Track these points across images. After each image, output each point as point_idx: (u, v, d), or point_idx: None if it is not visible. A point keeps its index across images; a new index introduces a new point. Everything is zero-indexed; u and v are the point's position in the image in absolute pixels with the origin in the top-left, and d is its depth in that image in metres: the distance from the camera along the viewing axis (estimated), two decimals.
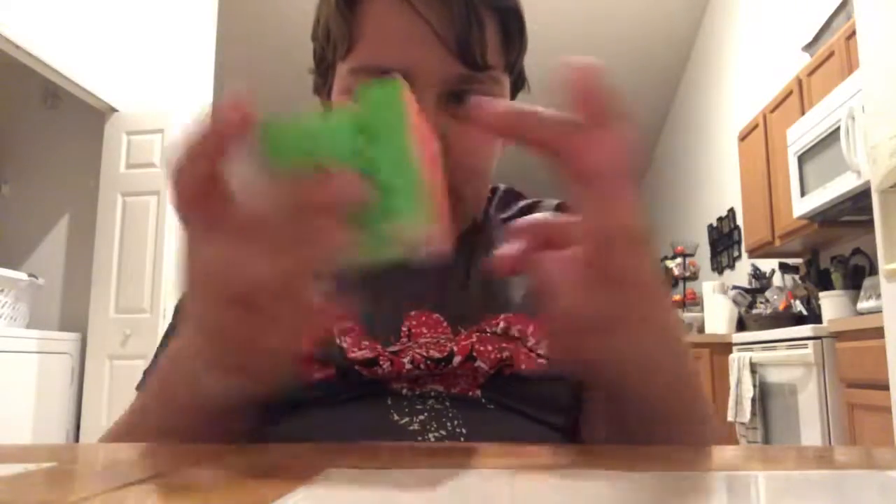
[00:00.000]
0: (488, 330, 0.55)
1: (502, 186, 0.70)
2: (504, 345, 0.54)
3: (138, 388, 0.60)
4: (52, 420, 3.31)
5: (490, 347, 0.54)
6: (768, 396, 2.92)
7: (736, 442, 3.17)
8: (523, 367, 0.54)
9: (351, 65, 0.52)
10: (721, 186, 4.88)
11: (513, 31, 0.55)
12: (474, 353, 0.53)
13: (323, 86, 0.58)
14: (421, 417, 0.50)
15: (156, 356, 0.61)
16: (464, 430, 0.50)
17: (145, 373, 0.60)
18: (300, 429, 0.49)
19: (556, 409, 0.55)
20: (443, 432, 0.50)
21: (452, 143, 0.51)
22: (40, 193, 3.84)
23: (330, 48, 0.55)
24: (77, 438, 3.38)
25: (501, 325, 0.55)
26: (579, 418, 0.57)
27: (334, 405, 0.50)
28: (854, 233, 3.04)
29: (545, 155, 0.32)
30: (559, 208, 0.66)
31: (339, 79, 0.54)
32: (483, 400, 0.53)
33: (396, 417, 0.50)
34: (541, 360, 0.54)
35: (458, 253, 0.60)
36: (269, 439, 0.42)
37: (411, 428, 0.50)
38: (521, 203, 0.68)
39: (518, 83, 0.63)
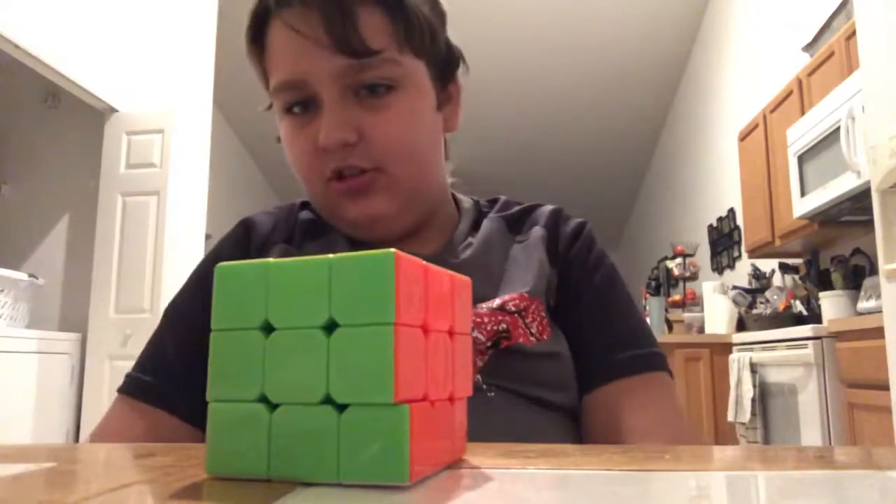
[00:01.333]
0: (484, 306, 0.58)
1: (503, 197, 0.74)
2: (501, 317, 0.57)
3: (120, 390, 0.61)
4: (52, 420, 3.31)
5: (486, 320, 0.57)
6: (768, 396, 2.92)
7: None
8: (521, 340, 0.57)
9: (271, 89, 0.60)
10: (721, 186, 4.88)
11: (393, 8, 0.57)
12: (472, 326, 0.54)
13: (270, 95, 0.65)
14: None
15: (140, 358, 0.62)
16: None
17: (128, 375, 0.61)
18: None
19: (555, 387, 0.58)
20: None
21: (367, 131, 0.56)
22: (40, 193, 3.84)
23: (264, 83, 0.63)
24: (77, 438, 3.38)
25: (497, 301, 0.58)
26: (581, 397, 0.61)
27: None
28: (854, 233, 3.04)
29: None
30: (556, 214, 0.69)
31: (274, 103, 0.62)
32: (484, 386, 0.55)
33: None
34: (532, 338, 0.58)
35: (453, 245, 0.65)
36: None
37: None
38: (524, 205, 0.72)
39: (448, 62, 0.64)
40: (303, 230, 0.67)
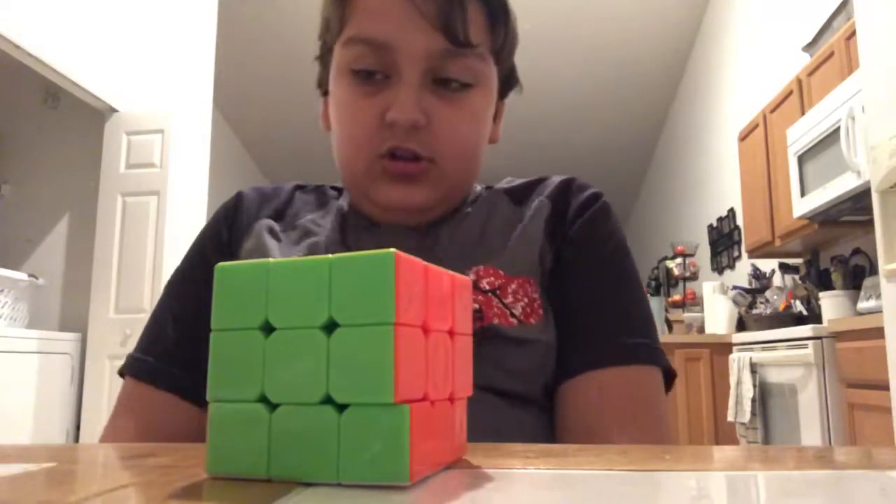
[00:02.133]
0: None
1: (510, 178, 0.72)
2: (474, 296, 0.54)
3: (121, 372, 0.61)
4: (52, 420, 3.31)
5: None
6: (768, 396, 2.92)
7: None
8: (496, 321, 0.54)
9: (344, 38, 0.57)
10: (721, 186, 4.88)
11: (497, 15, 0.57)
12: None
13: (323, 74, 0.63)
14: None
15: (141, 337, 0.63)
16: None
17: (129, 357, 0.61)
18: None
19: (529, 378, 0.55)
20: None
21: (435, 120, 0.56)
22: (40, 193, 3.84)
23: (329, 34, 0.60)
24: (77, 438, 3.38)
25: (472, 277, 0.56)
26: (555, 389, 0.56)
27: None
28: (854, 233, 3.04)
29: None
30: (566, 184, 0.64)
31: (336, 56, 0.59)
32: None
33: None
34: (512, 320, 0.55)
35: (450, 220, 0.62)
36: None
37: None
38: (529, 179, 0.68)
39: (510, 81, 0.65)
40: (301, 204, 0.67)
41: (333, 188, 0.71)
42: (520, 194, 0.65)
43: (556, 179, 0.65)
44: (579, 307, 0.57)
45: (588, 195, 0.63)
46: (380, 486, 0.24)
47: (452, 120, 0.57)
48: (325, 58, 0.62)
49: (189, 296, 0.62)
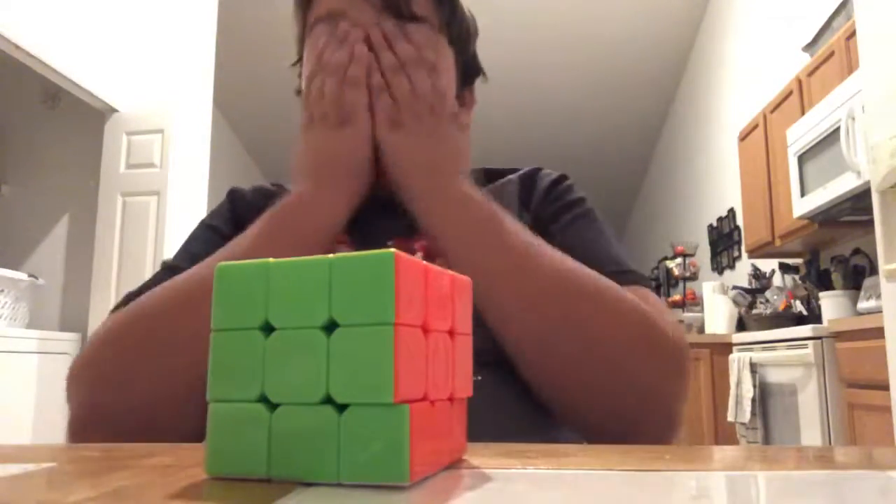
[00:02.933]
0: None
1: (486, 168, 0.73)
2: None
3: (115, 309, 0.61)
4: (52, 420, 3.31)
5: None
6: (768, 396, 2.92)
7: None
8: None
9: (311, 20, 0.62)
10: (721, 186, 4.88)
11: None
12: None
13: (300, 50, 0.67)
14: None
15: (140, 288, 0.62)
16: None
17: (127, 295, 0.61)
18: None
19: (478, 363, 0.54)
20: None
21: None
22: (40, 193, 3.84)
23: (300, 13, 0.65)
24: None
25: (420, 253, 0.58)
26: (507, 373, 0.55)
27: None
28: (854, 233, 3.04)
29: None
30: (533, 170, 0.68)
31: (308, 35, 0.63)
32: None
33: None
34: None
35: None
36: None
37: None
38: (502, 168, 0.71)
39: (472, 68, 0.68)
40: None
41: None
42: (494, 176, 0.68)
43: (526, 168, 0.70)
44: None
45: (556, 176, 0.68)
46: (380, 486, 0.24)
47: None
48: (300, 37, 0.67)
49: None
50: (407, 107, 0.55)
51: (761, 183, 3.56)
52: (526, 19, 5.19)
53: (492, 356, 0.52)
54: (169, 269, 0.62)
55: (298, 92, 0.67)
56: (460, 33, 0.64)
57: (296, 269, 0.27)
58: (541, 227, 0.61)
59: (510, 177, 0.67)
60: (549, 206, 0.65)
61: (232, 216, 0.67)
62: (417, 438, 0.24)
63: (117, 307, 0.61)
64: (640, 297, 0.54)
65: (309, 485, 0.25)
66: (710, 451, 0.35)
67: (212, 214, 0.69)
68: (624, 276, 0.57)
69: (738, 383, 3.05)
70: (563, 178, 0.68)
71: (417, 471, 0.24)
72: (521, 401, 0.54)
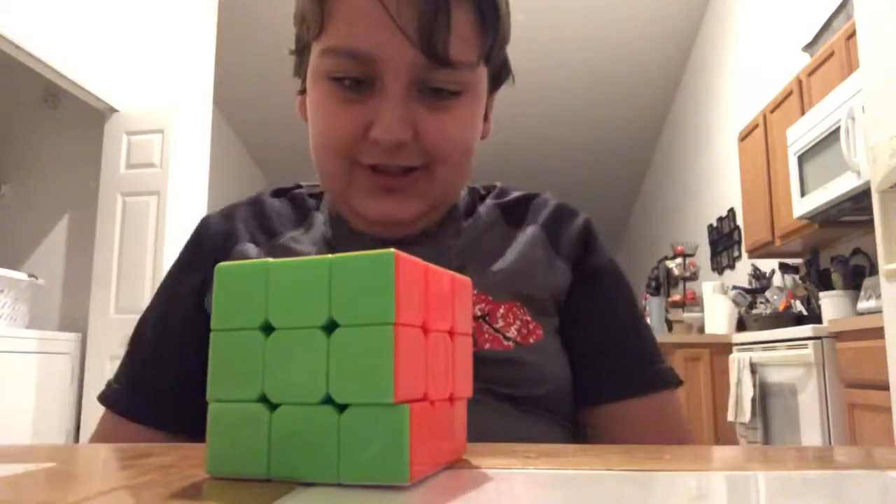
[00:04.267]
0: None
1: (499, 184, 0.71)
2: None
3: (100, 398, 0.60)
4: (52, 420, 3.31)
5: None
6: (768, 396, 2.92)
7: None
8: (487, 346, 0.54)
9: (322, 46, 0.54)
10: (721, 186, 4.88)
11: (488, 17, 0.54)
12: None
13: (300, 66, 0.60)
14: None
15: (119, 367, 0.62)
16: None
17: (108, 384, 0.61)
18: None
19: (531, 386, 0.56)
20: None
21: (423, 130, 0.53)
22: (40, 193, 3.84)
23: (305, 29, 0.56)
24: (77, 438, 3.38)
25: None
26: (582, 407, 0.59)
27: None
28: (854, 233, 3.04)
29: None
30: (557, 212, 0.65)
31: (313, 59, 0.55)
32: None
33: None
34: (507, 343, 0.55)
35: (443, 234, 0.61)
36: None
37: None
38: (519, 193, 0.68)
39: (501, 74, 0.63)
40: (280, 219, 0.64)
41: (311, 195, 0.67)
42: (511, 212, 0.65)
43: (548, 204, 0.66)
44: (598, 336, 0.60)
45: (580, 225, 0.64)
46: (380, 486, 0.24)
47: (442, 127, 0.54)
48: (301, 52, 0.59)
49: (162, 337, 0.62)
50: None
51: (761, 183, 3.56)
52: (525, 20, 5.19)
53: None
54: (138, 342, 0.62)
55: (297, 73, 0.63)
56: (502, 48, 0.59)
57: (296, 270, 0.27)
58: (580, 287, 0.61)
59: (533, 228, 0.63)
60: (580, 265, 0.62)
61: (196, 255, 0.64)
62: (417, 438, 0.24)
63: (104, 397, 0.61)
64: (665, 404, 0.59)
65: (309, 485, 0.25)
66: (710, 451, 0.35)
67: (179, 262, 0.65)
68: (657, 374, 0.60)
69: (738, 383, 3.05)
70: (586, 226, 0.64)
71: (417, 470, 0.24)
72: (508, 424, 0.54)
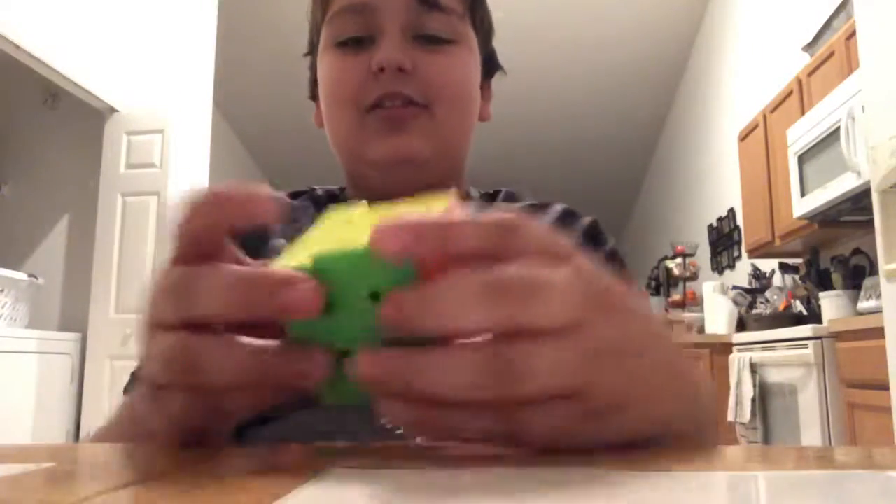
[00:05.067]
0: None
1: (504, 189, 0.71)
2: None
3: (126, 390, 0.60)
4: (52, 420, 3.31)
5: None
6: (768, 396, 2.92)
7: (736, 442, 3.17)
8: None
9: (327, 18, 0.60)
10: (721, 186, 4.88)
11: None
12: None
13: (313, 78, 0.65)
14: None
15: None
16: None
17: (133, 374, 0.60)
18: (283, 431, 0.48)
19: None
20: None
21: (422, 67, 0.57)
22: (40, 193, 3.84)
23: (315, 27, 0.63)
24: (77, 438, 3.38)
25: None
26: None
27: (318, 407, 0.50)
28: (854, 233, 3.04)
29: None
30: (565, 216, 0.66)
31: (322, 39, 0.61)
32: None
33: (384, 420, 0.50)
34: None
35: None
36: (250, 441, 0.42)
37: (398, 432, 0.50)
38: (530, 201, 0.69)
39: (492, 62, 0.68)
40: (307, 216, 0.64)
41: (329, 195, 0.69)
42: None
43: (556, 209, 0.67)
44: None
45: (588, 224, 0.66)
46: (379, 483, 0.24)
47: (440, 65, 0.58)
48: (314, 61, 0.64)
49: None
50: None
51: (761, 183, 3.56)
52: (525, 20, 5.19)
53: None
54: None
55: (312, 96, 0.66)
56: (483, 22, 0.64)
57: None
58: None
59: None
60: (593, 254, 0.62)
61: None
62: None
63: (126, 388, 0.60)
64: None
65: (308, 485, 0.25)
66: (710, 451, 0.35)
67: None
68: None
69: (738, 383, 3.05)
70: (595, 226, 0.66)
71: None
72: None
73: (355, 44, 0.58)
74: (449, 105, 0.59)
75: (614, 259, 0.64)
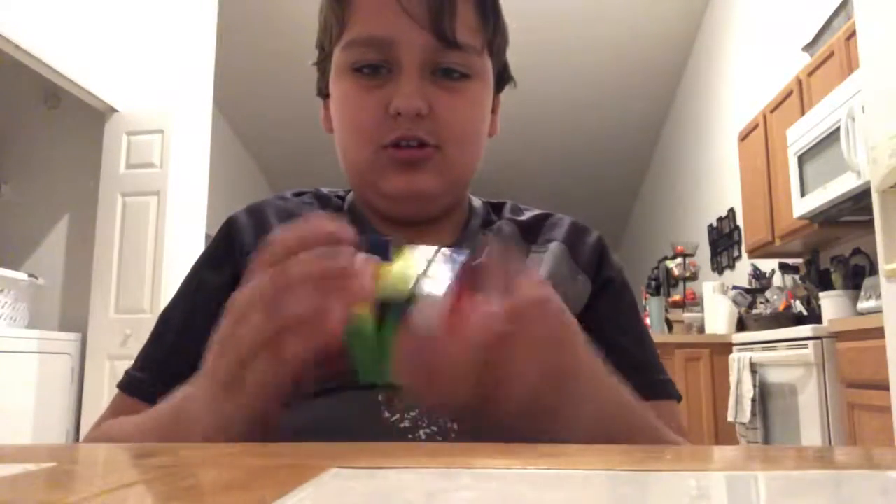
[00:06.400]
0: None
1: (509, 201, 0.73)
2: None
3: (121, 386, 0.60)
4: (52, 420, 3.31)
5: None
6: (768, 396, 2.92)
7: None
8: None
9: (345, 41, 0.60)
10: (721, 186, 4.88)
11: (488, 13, 0.61)
12: None
13: (322, 77, 0.65)
14: (412, 413, 0.51)
15: (137, 357, 0.62)
16: (455, 426, 0.51)
17: (126, 372, 0.61)
18: (286, 424, 0.48)
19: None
20: (434, 428, 0.51)
21: (437, 108, 0.58)
22: (40, 193, 3.84)
23: (328, 38, 0.63)
24: (77, 438, 3.38)
25: None
26: None
27: (325, 398, 0.50)
28: (854, 233, 3.04)
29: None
30: (574, 228, 0.68)
31: (336, 58, 0.61)
32: None
33: (388, 414, 0.51)
34: None
35: (468, 239, 0.65)
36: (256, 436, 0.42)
37: (402, 425, 0.50)
38: (536, 211, 0.71)
39: (503, 76, 0.68)
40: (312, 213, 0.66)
41: (336, 196, 0.70)
42: (529, 230, 0.68)
43: (564, 221, 0.69)
44: (613, 346, 0.61)
45: (595, 239, 0.68)
46: (380, 483, 0.24)
47: (454, 107, 0.59)
48: (323, 63, 0.64)
49: (184, 329, 0.61)
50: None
51: (761, 183, 3.56)
52: (525, 20, 5.19)
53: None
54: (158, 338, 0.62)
55: (319, 93, 0.66)
56: (502, 42, 0.65)
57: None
58: (596, 299, 0.64)
59: (555, 244, 0.66)
60: (600, 280, 0.65)
61: (226, 251, 0.64)
62: None
63: (119, 384, 0.61)
64: (667, 413, 0.59)
65: (309, 485, 0.25)
66: (710, 451, 0.35)
67: (207, 256, 0.65)
68: (661, 385, 0.62)
69: (738, 383, 3.05)
70: (601, 242, 0.68)
71: None
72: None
73: (372, 70, 0.59)
74: (461, 145, 0.61)
75: (622, 281, 0.67)
